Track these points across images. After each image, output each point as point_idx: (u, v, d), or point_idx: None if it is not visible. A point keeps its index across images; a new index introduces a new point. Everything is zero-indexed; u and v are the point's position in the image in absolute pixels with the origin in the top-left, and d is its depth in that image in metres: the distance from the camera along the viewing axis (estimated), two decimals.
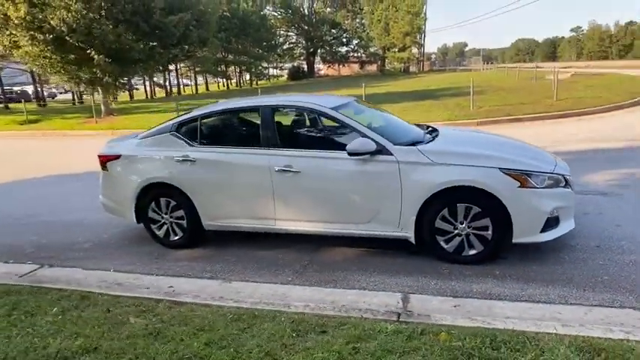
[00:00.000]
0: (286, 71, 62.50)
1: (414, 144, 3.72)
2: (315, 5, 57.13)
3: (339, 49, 59.22)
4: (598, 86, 17.47)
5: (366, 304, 3.03)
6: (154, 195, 4.28)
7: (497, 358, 2.17)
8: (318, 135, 4.50)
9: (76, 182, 7.79)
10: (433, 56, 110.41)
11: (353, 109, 4.21)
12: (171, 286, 3.53)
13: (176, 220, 4.29)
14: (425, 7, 45.71)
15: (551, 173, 3.51)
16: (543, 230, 3.45)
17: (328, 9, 57.37)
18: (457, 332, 2.45)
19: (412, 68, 56.28)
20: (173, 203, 4.24)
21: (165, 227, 4.35)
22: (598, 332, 2.46)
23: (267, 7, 53.77)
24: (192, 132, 4.26)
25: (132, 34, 14.48)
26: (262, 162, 3.90)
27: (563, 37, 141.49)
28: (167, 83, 48.32)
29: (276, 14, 55.71)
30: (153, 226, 4.39)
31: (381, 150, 3.59)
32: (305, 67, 60.48)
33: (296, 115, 4.59)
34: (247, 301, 3.07)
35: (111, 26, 13.69)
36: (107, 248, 4.55)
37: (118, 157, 4.41)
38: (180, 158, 4.13)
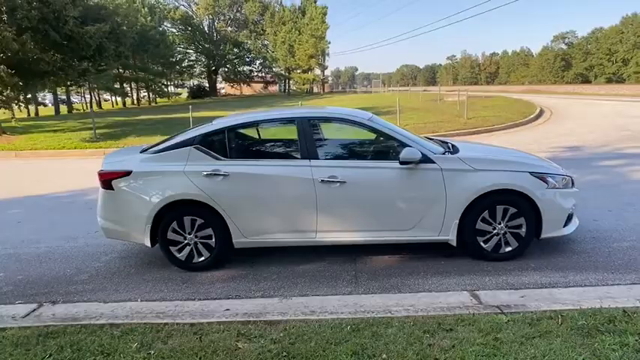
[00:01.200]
0: (187, 89, 60.40)
1: (445, 153, 3.99)
2: (216, 24, 56.47)
3: (242, 68, 59.12)
4: (493, 107, 20.04)
5: (443, 304, 3.15)
6: (176, 214, 3.92)
7: (620, 330, 2.46)
8: (358, 146, 4.55)
9: (10, 209, 6.67)
10: (330, 79, 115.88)
11: (379, 121, 4.37)
12: (227, 309, 3.27)
13: (202, 240, 3.97)
14: (327, 31, 48.03)
15: (565, 175, 4.03)
16: (565, 225, 3.95)
17: (229, 28, 57.11)
18: (565, 314, 2.71)
19: (314, 89, 58.40)
20: (200, 221, 3.92)
21: (187, 248, 3.99)
22: None
23: (165, 24, 51.69)
24: (219, 144, 4.01)
25: (39, 44, 12.76)
26: (305, 174, 3.83)
27: (440, 65, 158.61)
28: (50, 100, 43.32)
29: (174, 30, 53.78)
30: (172, 249, 3.99)
31: (424, 159, 3.79)
32: (207, 85, 59.11)
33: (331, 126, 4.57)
34: (342, 312, 2.99)
35: (13, 33, 11.91)
36: (113, 277, 4.01)
37: (127, 173, 3.95)
38: (210, 172, 3.86)
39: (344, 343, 2.48)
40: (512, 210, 3.81)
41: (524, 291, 3.35)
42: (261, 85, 63.02)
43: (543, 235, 3.88)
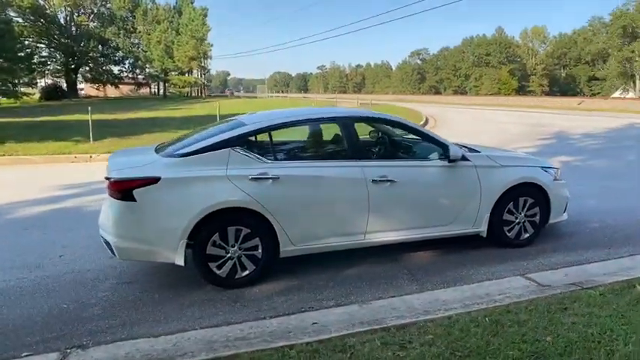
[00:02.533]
0: (39, 89, 52.24)
1: (470, 151, 4.29)
2: (75, 17, 50.13)
3: (109, 67, 53.44)
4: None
5: (510, 290, 3.38)
6: (217, 225, 3.45)
7: None
8: (397, 145, 4.52)
9: None
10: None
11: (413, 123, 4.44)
12: (315, 322, 3.02)
13: (247, 252, 3.56)
14: (209, 33, 46.35)
15: (556, 168, 4.65)
16: (564, 211, 4.55)
17: (93, 23, 51.24)
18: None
19: (193, 93, 55.79)
20: (246, 231, 3.51)
21: (230, 263, 3.54)
22: None
23: (10, 13, 44.05)
24: (262, 145, 3.66)
25: None
26: (357, 174, 3.73)
27: (311, 73, 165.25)
28: None
29: (21, 21, 46.15)
30: (212, 265, 3.51)
31: (463, 157, 4.01)
32: (64, 85, 52.03)
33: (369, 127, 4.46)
34: (452, 307, 2.99)
35: None
36: (138, 307, 3.32)
37: (155, 180, 3.34)
38: (257, 176, 3.50)
39: (495, 335, 2.51)
40: (530, 200, 4.25)
41: (563, 270, 3.77)
42: (132, 86, 57.74)
43: (550, 221, 4.41)
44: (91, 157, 10.60)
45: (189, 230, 3.37)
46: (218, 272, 3.52)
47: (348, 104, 30.24)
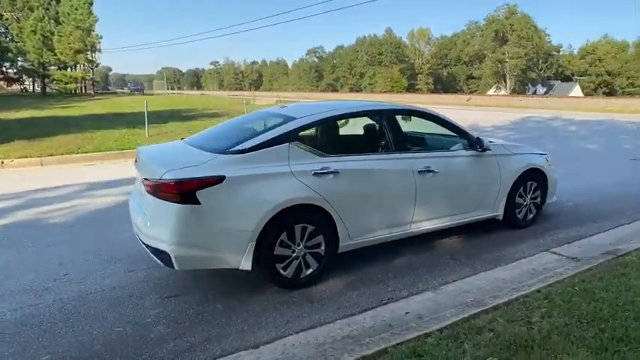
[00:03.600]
0: None
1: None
2: None
3: None
4: None
5: (550, 264, 3.77)
6: (285, 223, 3.27)
7: None
8: (431, 137, 4.59)
9: None
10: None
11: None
12: (407, 312, 3.05)
13: (311, 250, 3.43)
14: (97, 23, 41.92)
15: (546, 154, 5.23)
16: (555, 193, 5.15)
17: None
18: None
19: (79, 90, 50.13)
20: (311, 228, 3.38)
21: (295, 263, 3.38)
22: None
23: None
24: (318, 139, 3.55)
25: None
26: (406, 166, 3.81)
27: (204, 69, 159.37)
28: None
29: None
30: (278, 266, 3.32)
31: (487, 146, 4.33)
32: None
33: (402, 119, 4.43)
34: (525, 284, 3.22)
35: None
36: (210, 320, 3.03)
37: (219, 180, 3.06)
38: (319, 171, 3.39)
39: (596, 302, 2.79)
40: (534, 184, 4.75)
41: (575, 243, 4.30)
42: (3, 82, 49.85)
43: (547, 202, 4.97)
44: (2, 162, 9.05)
45: (258, 231, 3.15)
46: (284, 273, 3.35)
47: (265, 101, 29.95)
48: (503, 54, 60.59)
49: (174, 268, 3.08)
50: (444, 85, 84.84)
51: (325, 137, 3.67)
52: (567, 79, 71.42)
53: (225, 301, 3.28)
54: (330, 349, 2.66)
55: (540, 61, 70.44)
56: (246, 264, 3.17)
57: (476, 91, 72.69)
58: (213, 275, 3.64)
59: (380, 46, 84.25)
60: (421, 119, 4.26)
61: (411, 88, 78.92)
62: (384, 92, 69.91)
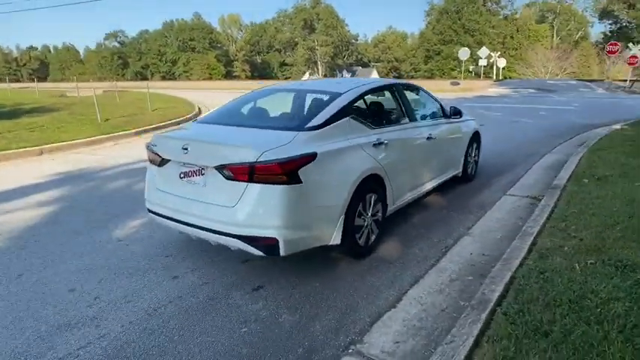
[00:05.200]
0: None
1: None
2: None
3: None
4: (145, 100, 19.77)
5: (526, 199, 4.83)
6: (361, 194, 3.37)
7: None
8: (421, 107, 4.92)
9: None
10: None
11: None
12: (471, 253, 3.59)
13: (374, 218, 3.62)
14: None
15: None
16: None
17: None
18: None
19: None
20: (375, 197, 3.57)
21: (365, 231, 3.53)
22: None
23: None
24: (365, 112, 3.70)
25: None
26: (420, 134, 4.29)
27: None
28: None
29: None
30: (357, 236, 3.42)
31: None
32: None
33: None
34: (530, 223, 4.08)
35: None
36: (327, 299, 2.98)
37: (313, 157, 2.98)
38: (376, 142, 3.59)
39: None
40: (476, 144, 5.81)
41: (517, 186, 5.50)
42: None
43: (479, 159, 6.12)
44: None
45: (347, 205, 3.22)
46: (360, 242, 3.49)
47: (87, 91, 25.89)
48: (314, 42, 65.59)
49: (277, 255, 2.92)
50: (260, 72, 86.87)
51: (365, 110, 3.84)
52: (366, 65, 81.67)
53: (317, 280, 3.25)
54: (453, 292, 3.02)
55: (344, 49, 78.54)
56: (336, 238, 3.20)
57: (290, 77, 76.86)
58: (267, 262, 3.49)
59: (191, 31, 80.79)
60: (404, 93, 4.71)
61: (228, 75, 78.49)
62: (204, 79, 67.91)
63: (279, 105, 4.00)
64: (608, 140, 7.76)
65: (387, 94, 4.28)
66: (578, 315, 2.34)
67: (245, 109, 3.96)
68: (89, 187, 6.00)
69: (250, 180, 2.84)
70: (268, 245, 2.88)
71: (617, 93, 25.42)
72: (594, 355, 2.02)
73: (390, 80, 4.68)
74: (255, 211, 2.87)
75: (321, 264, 3.46)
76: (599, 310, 2.37)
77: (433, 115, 4.85)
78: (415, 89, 4.85)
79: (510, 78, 46.03)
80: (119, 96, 18.69)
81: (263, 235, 2.86)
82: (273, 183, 2.83)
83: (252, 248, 2.92)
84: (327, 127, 3.26)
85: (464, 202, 5.01)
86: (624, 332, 2.17)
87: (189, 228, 3.19)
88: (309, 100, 3.86)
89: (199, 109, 17.17)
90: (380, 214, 3.70)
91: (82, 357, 2.44)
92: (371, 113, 3.96)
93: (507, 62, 48.40)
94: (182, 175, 3.21)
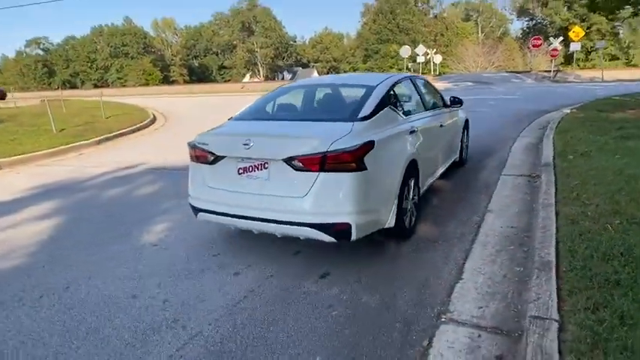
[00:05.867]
0: None
1: None
2: None
3: None
4: (94, 108, 18.75)
5: (524, 177, 5.28)
6: (406, 179, 3.57)
7: None
8: (432, 97, 5.10)
9: None
10: None
11: None
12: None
13: (413, 201, 3.84)
14: None
15: None
16: None
17: None
18: None
19: None
20: (414, 181, 3.79)
21: (409, 214, 3.73)
22: None
23: None
24: (396, 103, 3.89)
25: None
26: (437, 122, 4.58)
27: None
28: None
29: None
30: (404, 218, 3.62)
31: None
32: None
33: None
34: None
35: None
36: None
37: (372, 144, 3.13)
38: (412, 129, 3.81)
39: None
40: (466, 131, 6.22)
41: (508, 167, 5.97)
42: None
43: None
44: None
45: (398, 189, 3.42)
46: (406, 224, 3.69)
47: (20, 102, 23.86)
48: (253, 44, 65.10)
49: (347, 240, 3.05)
50: (198, 76, 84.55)
51: (396, 101, 4.02)
52: (306, 65, 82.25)
53: (377, 262, 3.41)
54: (504, 260, 3.30)
55: (283, 51, 78.59)
56: (391, 221, 3.39)
57: (229, 80, 75.59)
58: (319, 252, 3.59)
59: (122, 36, 76.98)
60: (418, 84, 4.98)
61: (166, 80, 75.70)
62: (140, 85, 64.94)
63: (313, 99, 4.11)
64: (568, 122, 8.57)
65: (406, 85, 4.51)
66: (634, 264, 2.69)
67: (282, 105, 4.03)
68: (82, 199, 5.71)
69: (321, 169, 2.94)
70: (341, 231, 3.00)
71: (545, 82, 27.78)
72: None
73: (406, 74, 4.93)
74: (328, 199, 2.98)
75: (372, 248, 3.62)
76: None
77: (438, 105, 5.16)
78: (423, 80, 5.13)
79: (445, 73, 48.49)
80: (64, 105, 17.50)
81: (336, 222, 2.97)
82: (343, 171, 2.95)
83: (323, 235, 3.01)
84: (375, 116, 3.43)
85: (469, 184, 5.38)
86: None
87: (249, 222, 3.22)
88: (345, 93, 4.00)
89: (154, 115, 16.57)
90: (416, 198, 3.92)
91: (186, 357, 2.42)
92: (400, 103, 4.17)
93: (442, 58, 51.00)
94: (241, 171, 3.23)
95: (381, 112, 3.52)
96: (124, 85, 71.30)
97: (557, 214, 3.75)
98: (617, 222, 3.34)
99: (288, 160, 3.01)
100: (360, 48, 63.29)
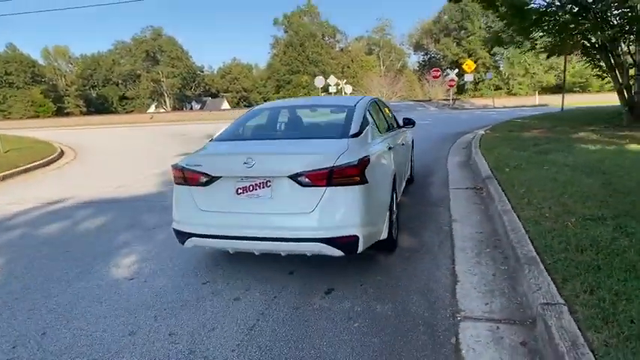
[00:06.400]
0: None
1: None
2: None
3: None
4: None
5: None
6: (392, 192, 3.76)
7: None
8: (391, 118, 5.28)
9: None
10: None
11: None
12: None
13: (395, 213, 4.01)
14: None
15: None
16: None
17: None
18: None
19: None
20: (394, 194, 3.98)
21: (394, 226, 3.90)
22: None
23: None
24: (371, 122, 4.09)
25: None
26: (400, 140, 4.89)
27: None
28: None
29: None
30: (392, 230, 3.77)
31: None
32: None
33: None
34: None
35: None
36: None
37: (369, 159, 3.27)
38: (388, 146, 4.06)
39: None
40: (412, 150, 6.68)
41: (454, 184, 6.50)
42: None
43: None
44: None
45: (390, 200, 3.60)
46: (393, 236, 3.85)
47: None
48: (158, 74, 62.82)
49: (354, 252, 3.12)
50: (97, 107, 78.90)
51: (372, 120, 4.21)
52: (215, 95, 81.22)
53: (376, 274, 3.50)
54: (487, 261, 3.61)
55: (191, 80, 76.94)
56: (384, 233, 3.53)
57: (132, 111, 71.70)
58: (313, 269, 3.60)
59: (6, 64, 69.36)
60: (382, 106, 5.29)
61: (60, 112, 69.40)
62: (29, 118, 58.64)
63: (296, 119, 4.15)
64: (488, 142, 9.59)
65: (375, 107, 4.77)
66: (604, 251, 3.13)
67: (265, 125, 4.02)
68: (19, 235, 5.03)
69: (328, 184, 3.00)
70: (348, 243, 3.06)
71: (446, 109, 30.77)
72: (634, 268, 2.79)
73: (370, 97, 5.21)
74: (335, 213, 3.03)
75: (365, 262, 3.70)
76: (612, 245, 3.21)
77: (395, 125, 5.51)
78: (383, 102, 5.45)
79: None
80: None
81: (345, 235, 3.03)
82: (348, 184, 3.04)
83: (332, 249, 3.05)
84: (362, 134, 3.59)
85: (425, 198, 5.76)
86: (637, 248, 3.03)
87: (251, 243, 3.14)
88: (325, 113, 4.13)
89: (61, 148, 15.11)
90: (396, 210, 4.13)
91: None
92: (375, 123, 4.39)
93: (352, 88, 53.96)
94: (240, 191, 3.15)
95: (366, 129, 3.69)
96: (7, 118, 63.95)
97: (518, 217, 4.19)
98: (573, 220, 3.84)
99: (295, 177, 3.02)
100: (272, 78, 64.39)
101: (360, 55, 66.88)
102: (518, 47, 13.65)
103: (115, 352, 2.59)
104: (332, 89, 41.92)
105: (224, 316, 2.97)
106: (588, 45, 11.71)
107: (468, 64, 27.68)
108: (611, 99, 27.90)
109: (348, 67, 63.43)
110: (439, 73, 32.95)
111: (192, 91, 78.07)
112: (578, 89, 49.33)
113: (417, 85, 63.09)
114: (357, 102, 4.16)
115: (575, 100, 26.97)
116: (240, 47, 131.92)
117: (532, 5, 10.86)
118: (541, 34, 12.03)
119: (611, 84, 12.65)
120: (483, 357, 2.41)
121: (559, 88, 49.80)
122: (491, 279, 3.29)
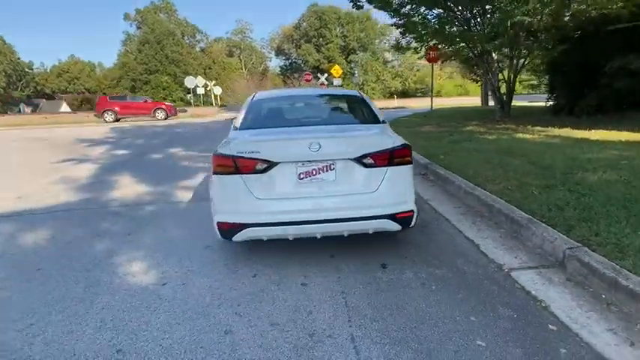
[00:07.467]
0: None
1: None
2: None
3: None
4: None
5: None
6: None
7: None
8: None
9: None
10: None
11: None
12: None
13: None
14: None
15: None
16: None
17: None
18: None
19: None
20: None
21: None
22: None
23: None
24: None
25: None
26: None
27: None
28: None
29: None
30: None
31: None
32: None
33: None
34: None
35: None
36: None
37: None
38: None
39: None
40: None
41: None
42: None
43: None
44: None
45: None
46: None
47: None
48: None
49: (408, 226, 3.43)
50: None
51: None
52: (51, 97, 70.57)
53: (411, 246, 3.84)
54: (484, 224, 4.27)
55: (17, 79, 65.71)
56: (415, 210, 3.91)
57: None
58: (352, 249, 3.80)
59: None
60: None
61: None
62: None
63: (319, 106, 4.23)
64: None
65: None
66: (580, 207, 4.01)
67: (290, 111, 4.03)
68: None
69: (389, 164, 3.25)
70: (407, 218, 3.36)
71: None
72: (615, 216, 3.67)
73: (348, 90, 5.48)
74: (395, 191, 3.31)
75: (391, 239, 4.00)
76: (580, 204, 4.13)
77: None
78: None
79: (228, 104, 50.00)
80: None
81: (405, 210, 3.32)
82: (402, 164, 3.34)
83: (394, 224, 3.31)
84: (385, 121, 3.92)
85: None
86: (601, 203, 3.98)
87: (313, 226, 3.20)
88: (337, 101, 4.31)
89: None
90: None
91: (360, 349, 2.37)
92: None
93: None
94: (302, 175, 3.18)
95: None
96: None
97: (490, 192, 4.97)
98: (534, 189, 4.75)
99: (360, 159, 3.19)
100: (126, 78, 58.75)
101: (221, 56, 65.66)
102: (416, 52, 15.55)
103: (233, 349, 2.43)
104: (200, 90, 40.47)
105: (307, 300, 2.97)
106: (471, 54, 13.99)
107: (336, 70, 29.70)
108: (451, 102, 33.19)
109: (210, 68, 61.72)
110: (311, 77, 34.66)
111: (19, 91, 66.58)
112: (420, 94, 57.10)
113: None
114: (359, 93, 4.46)
115: (424, 103, 31.02)
116: (78, 44, 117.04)
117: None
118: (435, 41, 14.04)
119: (462, 87, 15.22)
120: (550, 291, 2.97)
121: (403, 94, 56.95)
122: (500, 239, 3.93)
